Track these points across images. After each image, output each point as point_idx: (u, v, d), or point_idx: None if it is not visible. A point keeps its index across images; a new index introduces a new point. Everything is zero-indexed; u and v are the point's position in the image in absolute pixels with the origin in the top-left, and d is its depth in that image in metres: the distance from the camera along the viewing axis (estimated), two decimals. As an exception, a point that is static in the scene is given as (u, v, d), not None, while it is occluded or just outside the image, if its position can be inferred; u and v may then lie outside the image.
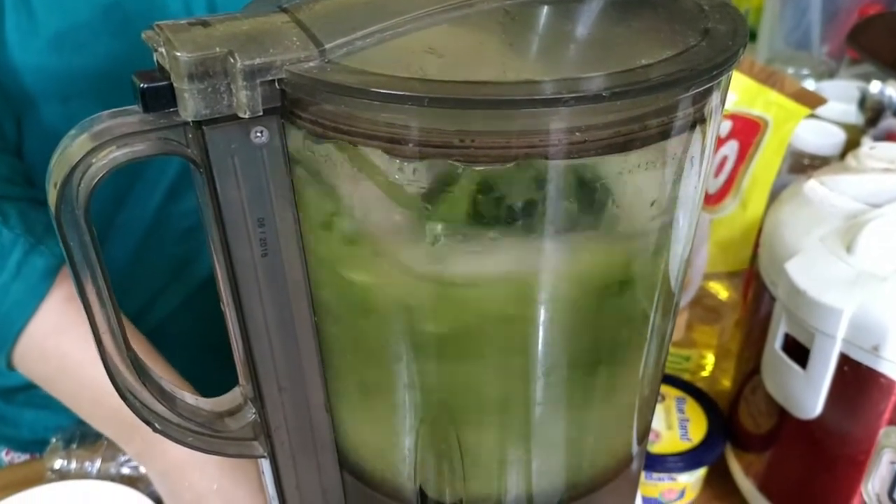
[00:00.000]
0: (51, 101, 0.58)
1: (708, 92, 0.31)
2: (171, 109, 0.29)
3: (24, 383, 0.73)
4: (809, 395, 0.54)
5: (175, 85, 0.28)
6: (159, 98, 0.28)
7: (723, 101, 0.33)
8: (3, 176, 0.59)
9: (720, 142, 0.70)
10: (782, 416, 0.57)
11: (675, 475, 0.63)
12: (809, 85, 1.01)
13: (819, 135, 0.84)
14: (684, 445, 0.64)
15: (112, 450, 0.64)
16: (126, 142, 0.29)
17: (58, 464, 0.63)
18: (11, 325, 0.55)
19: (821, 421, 0.54)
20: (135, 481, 0.62)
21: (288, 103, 0.29)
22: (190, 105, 0.28)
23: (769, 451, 0.60)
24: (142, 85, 0.28)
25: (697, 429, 0.65)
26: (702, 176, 0.33)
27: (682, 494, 0.64)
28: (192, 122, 0.29)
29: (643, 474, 0.60)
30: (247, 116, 0.28)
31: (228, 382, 0.40)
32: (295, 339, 0.35)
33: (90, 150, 0.28)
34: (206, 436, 0.37)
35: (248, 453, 0.38)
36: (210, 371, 0.58)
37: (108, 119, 0.29)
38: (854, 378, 0.51)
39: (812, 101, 0.68)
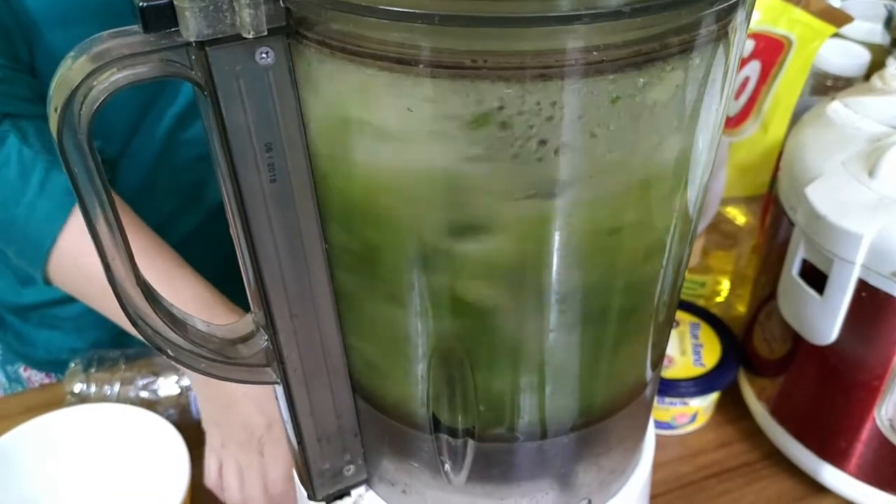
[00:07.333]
0: (53, 26, 0.58)
1: (733, 7, 0.29)
2: (173, 29, 0.28)
3: (36, 302, 0.74)
4: (825, 321, 0.54)
5: (175, 3, 0.27)
6: (160, 17, 0.27)
7: (748, 18, 0.31)
8: (20, 96, 0.59)
9: (742, 62, 0.68)
10: (797, 341, 0.57)
11: (688, 400, 0.63)
12: (834, 2, 0.97)
13: (843, 55, 0.81)
14: (697, 371, 0.64)
15: (131, 373, 0.65)
16: (127, 63, 0.28)
17: (77, 387, 0.64)
18: (42, 242, 0.56)
19: (836, 347, 0.54)
20: (153, 404, 0.63)
21: (294, 23, 0.28)
22: (191, 24, 0.27)
23: (782, 377, 0.60)
24: (141, 3, 0.27)
25: (711, 354, 0.65)
26: (724, 98, 0.32)
27: (693, 418, 0.65)
28: (195, 42, 0.28)
29: (655, 399, 0.61)
30: (251, 36, 0.27)
31: (242, 309, 0.40)
32: (306, 265, 0.35)
33: (90, 72, 0.28)
34: (218, 362, 0.37)
35: (260, 380, 0.38)
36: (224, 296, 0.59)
37: (109, 40, 0.28)
38: (871, 304, 0.51)
39: (838, 20, 0.66)
